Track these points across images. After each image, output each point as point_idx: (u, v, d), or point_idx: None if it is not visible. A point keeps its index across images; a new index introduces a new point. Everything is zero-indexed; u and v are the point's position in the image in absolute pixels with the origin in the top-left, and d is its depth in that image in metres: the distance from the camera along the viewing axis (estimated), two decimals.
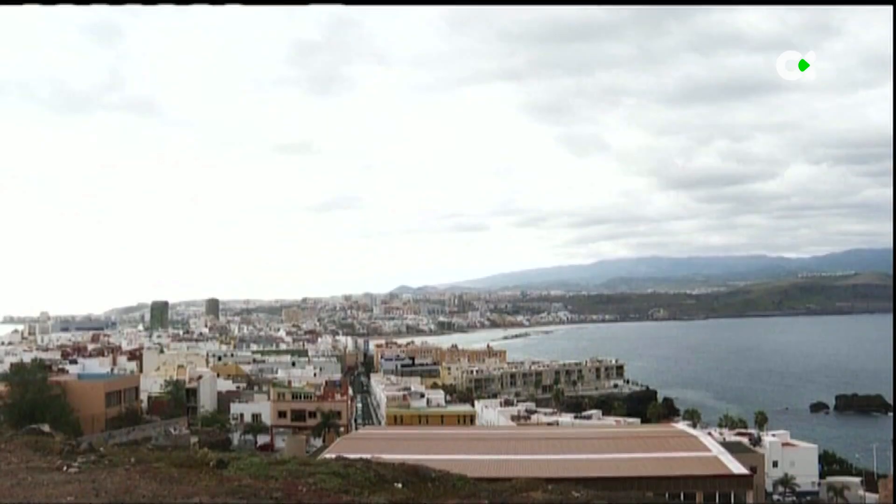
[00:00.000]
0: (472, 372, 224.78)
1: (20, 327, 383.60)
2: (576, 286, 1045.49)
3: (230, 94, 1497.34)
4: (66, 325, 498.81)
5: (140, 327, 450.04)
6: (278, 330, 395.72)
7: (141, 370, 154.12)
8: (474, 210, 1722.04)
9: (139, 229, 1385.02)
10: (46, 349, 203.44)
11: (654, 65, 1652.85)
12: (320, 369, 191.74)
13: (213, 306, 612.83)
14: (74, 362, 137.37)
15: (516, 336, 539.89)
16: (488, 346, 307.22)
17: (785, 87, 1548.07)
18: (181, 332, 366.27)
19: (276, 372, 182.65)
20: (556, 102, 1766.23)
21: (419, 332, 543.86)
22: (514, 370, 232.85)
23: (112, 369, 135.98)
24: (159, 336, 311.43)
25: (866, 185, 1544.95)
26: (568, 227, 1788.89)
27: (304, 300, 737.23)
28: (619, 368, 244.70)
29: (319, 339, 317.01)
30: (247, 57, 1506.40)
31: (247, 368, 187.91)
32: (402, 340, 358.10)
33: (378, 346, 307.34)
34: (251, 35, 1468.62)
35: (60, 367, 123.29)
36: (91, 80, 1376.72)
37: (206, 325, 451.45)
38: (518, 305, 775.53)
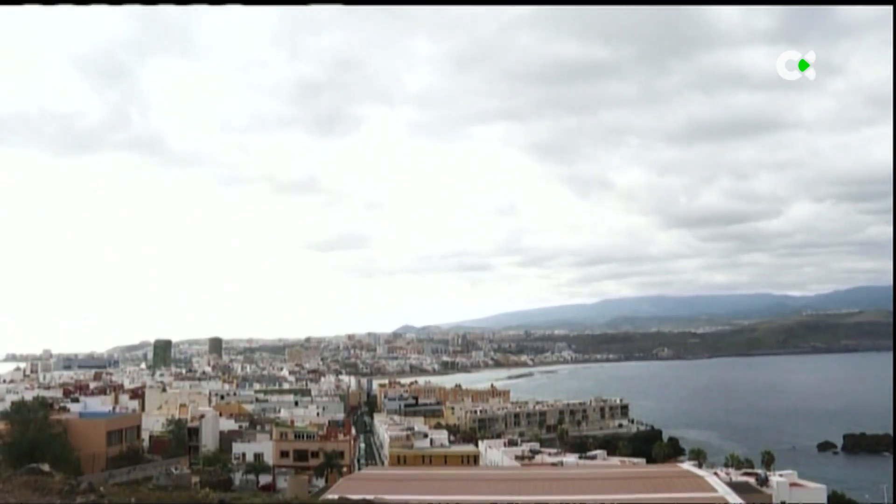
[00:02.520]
0: (475, 412, 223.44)
1: (22, 365, 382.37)
2: (580, 325, 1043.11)
3: (234, 133, 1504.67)
4: (68, 362, 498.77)
5: (143, 366, 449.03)
6: (281, 369, 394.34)
7: (143, 409, 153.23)
8: (478, 249, 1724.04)
9: (143, 267, 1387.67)
10: (48, 387, 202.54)
11: (657, 104, 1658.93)
12: (323, 409, 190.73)
13: (216, 345, 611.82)
14: (76, 400, 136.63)
15: (520, 376, 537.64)
16: (492, 385, 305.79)
17: (788, 125, 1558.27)
18: (184, 371, 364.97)
19: (279, 411, 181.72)
20: (559, 142, 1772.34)
21: (423, 371, 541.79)
22: (518, 410, 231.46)
23: (114, 408, 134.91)
24: (162, 374, 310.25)
25: (870, 223, 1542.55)
26: (571, 267, 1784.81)
27: (308, 339, 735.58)
28: (624, 408, 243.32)
29: (322, 379, 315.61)
30: (250, 97, 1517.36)
31: (249, 408, 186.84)
32: (405, 380, 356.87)
33: (381, 385, 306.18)
34: (254, 75, 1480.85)
35: (62, 405, 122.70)
36: (97, 118, 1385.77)
37: (208, 364, 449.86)
38: (522, 345, 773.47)
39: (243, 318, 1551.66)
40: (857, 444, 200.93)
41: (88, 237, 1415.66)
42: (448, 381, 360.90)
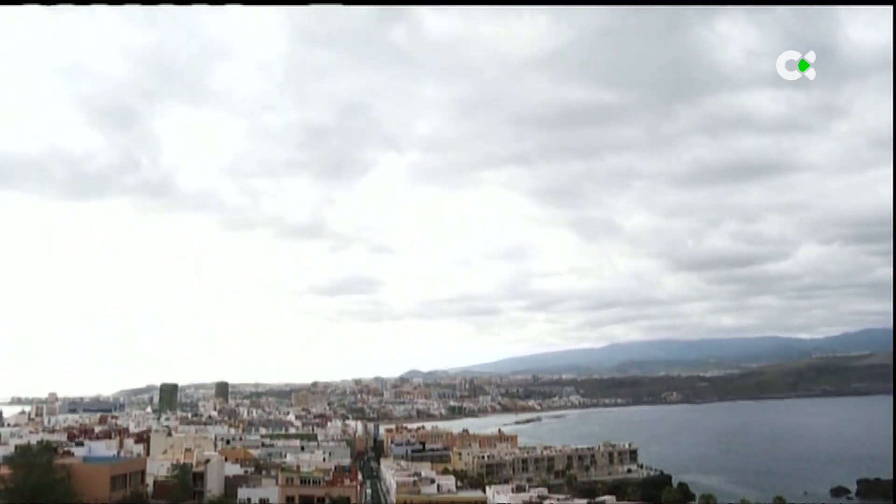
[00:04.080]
0: (483, 457, 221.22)
1: (27, 408, 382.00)
2: (587, 370, 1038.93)
3: (242, 177, 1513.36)
4: (73, 406, 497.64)
5: (148, 409, 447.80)
6: (288, 414, 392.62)
7: (148, 453, 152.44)
8: (485, 294, 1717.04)
9: (150, 311, 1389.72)
10: (53, 431, 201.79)
11: (663, 147, 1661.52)
12: (329, 454, 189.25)
13: (222, 389, 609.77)
14: (80, 444, 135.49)
15: (528, 420, 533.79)
16: (500, 430, 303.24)
17: (794, 168, 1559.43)
18: (190, 415, 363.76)
19: (285, 456, 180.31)
20: (565, 186, 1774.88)
21: (430, 416, 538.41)
22: (525, 455, 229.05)
23: (119, 452, 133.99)
24: (167, 418, 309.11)
25: (878, 264, 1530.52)
26: (579, 311, 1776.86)
27: (314, 384, 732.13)
28: (633, 453, 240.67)
29: (329, 424, 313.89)
30: (259, 141, 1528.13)
31: (255, 452, 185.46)
32: (412, 425, 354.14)
33: (388, 430, 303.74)
34: (263, 120, 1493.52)
35: (66, 449, 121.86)
36: (106, 162, 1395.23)
37: (215, 408, 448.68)
38: (530, 389, 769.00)
39: (250, 362, 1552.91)
40: (872, 490, 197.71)
41: (95, 280, 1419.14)
42: (455, 426, 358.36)
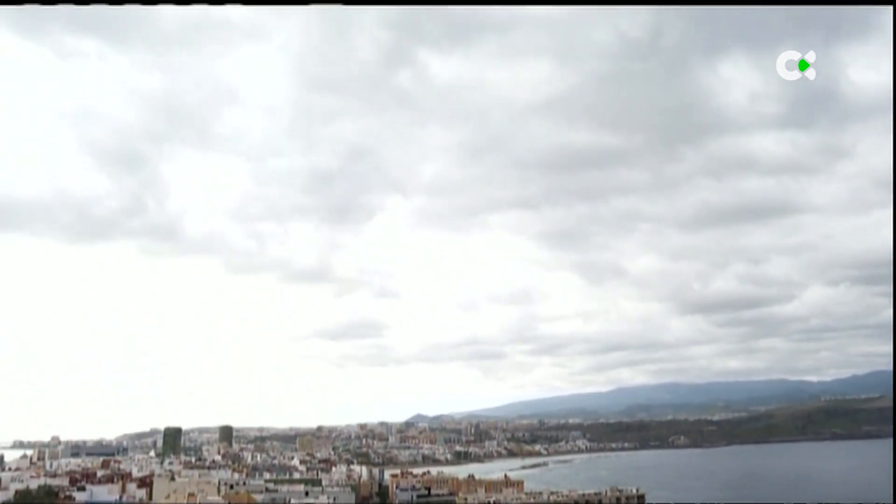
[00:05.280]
0: (489, 503, 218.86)
1: (30, 452, 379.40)
2: (594, 414, 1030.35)
3: (248, 222, 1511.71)
4: (76, 450, 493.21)
5: (152, 453, 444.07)
6: (292, 458, 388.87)
7: (151, 498, 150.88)
8: (490, 338, 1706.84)
9: (154, 354, 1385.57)
10: (55, 475, 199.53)
11: (668, 190, 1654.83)
12: (334, 499, 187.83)
13: (226, 433, 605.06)
14: (82, 489, 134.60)
15: (534, 465, 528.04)
16: (506, 475, 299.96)
17: (799, 209, 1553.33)
18: (193, 459, 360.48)
19: (290, 501, 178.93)
20: (571, 229, 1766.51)
21: (435, 461, 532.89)
22: (532, 500, 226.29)
23: (121, 497, 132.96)
24: (171, 463, 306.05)
25: (886, 306, 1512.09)
26: (585, 355, 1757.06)
27: (319, 428, 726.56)
28: (641, 498, 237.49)
29: (334, 469, 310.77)
30: (265, 186, 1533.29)
31: (259, 497, 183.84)
32: (417, 470, 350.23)
33: (393, 475, 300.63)
34: (270, 165, 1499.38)
35: (68, 493, 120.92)
36: (113, 205, 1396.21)
37: (219, 453, 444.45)
38: (536, 434, 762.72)
39: (254, 406, 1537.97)
40: None
41: (100, 323, 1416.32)
42: (461, 471, 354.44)
